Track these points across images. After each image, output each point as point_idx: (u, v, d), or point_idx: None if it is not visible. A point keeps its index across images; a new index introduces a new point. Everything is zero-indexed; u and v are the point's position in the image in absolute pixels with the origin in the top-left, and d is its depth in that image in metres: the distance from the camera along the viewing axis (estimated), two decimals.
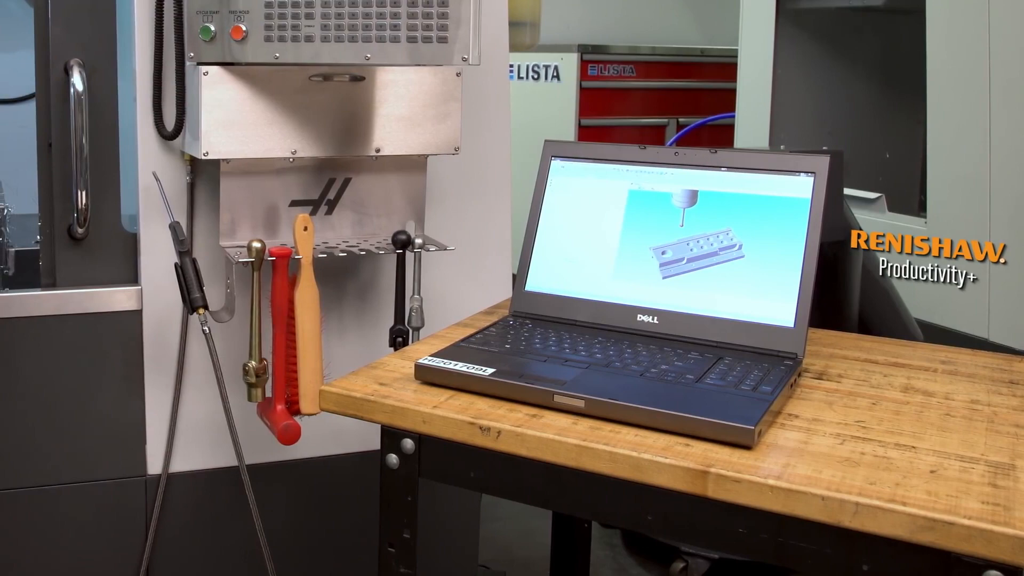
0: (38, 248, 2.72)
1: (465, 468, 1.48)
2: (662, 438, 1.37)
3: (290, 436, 2.11)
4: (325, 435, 2.33)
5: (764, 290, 1.63)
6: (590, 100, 4.92)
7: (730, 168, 1.71)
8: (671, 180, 1.75)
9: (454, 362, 1.56)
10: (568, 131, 4.83)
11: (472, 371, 1.53)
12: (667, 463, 1.30)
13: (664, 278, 1.71)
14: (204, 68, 2.06)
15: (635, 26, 5.47)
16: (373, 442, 2.35)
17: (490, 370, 1.53)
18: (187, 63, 2.16)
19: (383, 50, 1.99)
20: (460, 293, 2.44)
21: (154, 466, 2.31)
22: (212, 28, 2.05)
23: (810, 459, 1.30)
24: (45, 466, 2.27)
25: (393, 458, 1.52)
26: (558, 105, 4.90)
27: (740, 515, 1.28)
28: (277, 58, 2.01)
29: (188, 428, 2.33)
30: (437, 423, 1.46)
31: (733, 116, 4.23)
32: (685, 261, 1.70)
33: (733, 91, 4.34)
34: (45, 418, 2.26)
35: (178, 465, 2.32)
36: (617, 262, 1.75)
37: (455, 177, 2.45)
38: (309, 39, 1.99)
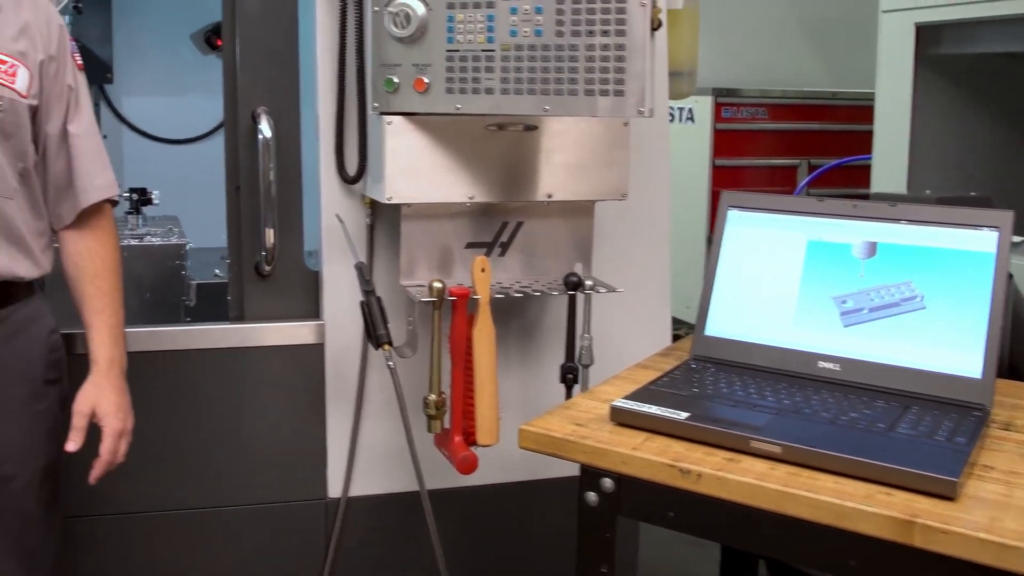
0: (216, 281, 2.83)
1: (664, 508, 1.50)
2: (862, 486, 1.37)
3: (468, 466, 2.16)
4: (494, 464, 2.36)
5: (949, 341, 1.63)
6: (724, 141, 4.96)
7: (910, 221, 1.71)
8: (850, 232, 1.76)
9: (648, 405, 1.59)
10: (702, 172, 4.86)
11: (667, 415, 1.55)
12: (872, 511, 1.31)
13: (846, 326, 1.71)
14: (388, 118, 2.13)
15: (767, 70, 5.47)
16: (538, 471, 2.40)
17: (684, 414, 1.55)
18: (370, 112, 2.23)
19: (561, 102, 1.99)
20: (621, 333, 2.47)
21: (334, 490, 2.39)
22: (396, 80, 2.11)
23: (1017, 513, 1.29)
24: (230, 488, 2.37)
25: (592, 496, 1.55)
26: (693, 146, 4.93)
27: (945, 565, 1.27)
28: (458, 109, 2.06)
29: (366, 454, 2.40)
30: (637, 464, 1.49)
31: (867, 158, 4.19)
32: (866, 311, 1.70)
33: (864, 133, 4.31)
34: (231, 443, 2.36)
35: (357, 489, 2.39)
36: (797, 310, 1.76)
37: (617, 220, 2.48)
38: (489, 91, 2.03)
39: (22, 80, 1.84)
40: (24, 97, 1.84)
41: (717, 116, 4.92)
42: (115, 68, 3.49)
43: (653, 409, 1.57)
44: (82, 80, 1.97)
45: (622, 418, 1.60)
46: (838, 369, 1.70)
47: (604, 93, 1.96)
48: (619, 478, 1.52)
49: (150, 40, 3.43)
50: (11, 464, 1.88)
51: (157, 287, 2.79)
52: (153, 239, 2.86)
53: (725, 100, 4.94)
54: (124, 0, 3.00)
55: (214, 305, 2.76)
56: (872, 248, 1.73)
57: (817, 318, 1.74)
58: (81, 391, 1.89)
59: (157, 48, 3.47)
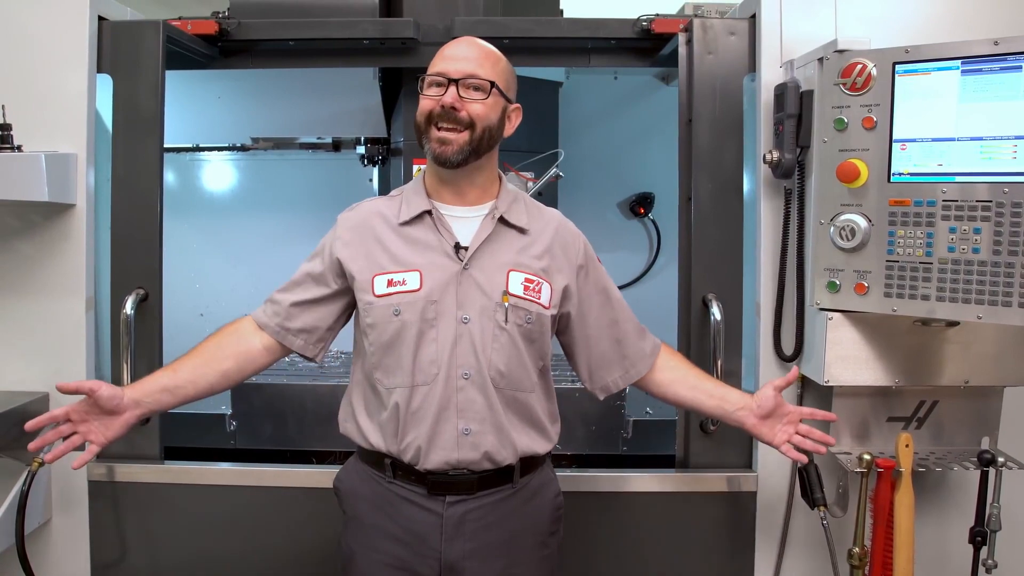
0: (647, 418, 3.11)
1: None
2: None
3: None
4: None
5: None
6: None
7: None
8: None
9: None
10: None
11: None
12: None
13: None
14: (829, 314, 2.33)
15: None
16: None
17: None
18: (809, 306, 2.43)
19: (994, 312, 2.07)
20: (1020, 501, 2.51)
21: None
22: (838, 283, 2.32)
23: None
24: None
25: None
26: None
27: None
28: (894, 311, 2.23)
29: None
30: None
31: None
32: None
33: None
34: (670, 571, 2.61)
35: None
36: None
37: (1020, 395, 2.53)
38: (925, 298, 2.17)
39: (545, 295, 2.03)
40: (547, 308, 2.03)
41: None
42: None
43: None
44: (607, 276, 2.16)
45: None
46: None
47: None
48: None
49: (586, 207, 3.77)
50: None
51: (601, 422, 3.10)
52: None
53: None
54: (570, 180, 3.37)
55: (647, 438, 3.04)
56: None
57: None
58: None
59: (589, 212, 3.81)
